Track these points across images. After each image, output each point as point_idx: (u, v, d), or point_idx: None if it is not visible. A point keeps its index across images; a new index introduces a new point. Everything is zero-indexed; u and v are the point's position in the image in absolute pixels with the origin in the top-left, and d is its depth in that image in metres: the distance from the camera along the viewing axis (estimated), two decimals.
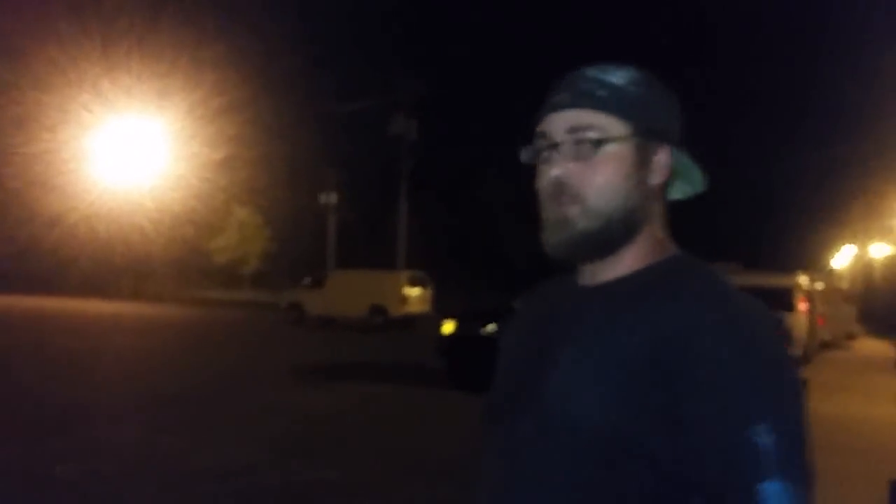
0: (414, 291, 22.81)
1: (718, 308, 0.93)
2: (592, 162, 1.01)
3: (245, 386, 10.61)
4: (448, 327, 11.22)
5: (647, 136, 1.03)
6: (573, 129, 1.02)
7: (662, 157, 1.04)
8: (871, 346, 21.30)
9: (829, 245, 53.72)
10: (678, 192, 1.13)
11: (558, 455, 0.95)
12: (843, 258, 48.53)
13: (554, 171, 1.02)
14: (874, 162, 31.49)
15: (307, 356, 14.35)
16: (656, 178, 1.05)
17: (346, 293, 22.68)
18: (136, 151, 37.27)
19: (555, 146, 1.02)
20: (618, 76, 1.03)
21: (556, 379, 0.99)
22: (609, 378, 0.93)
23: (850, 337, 20.99)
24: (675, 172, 1.08)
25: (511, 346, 1.14)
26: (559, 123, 1.03)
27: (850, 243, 45.34)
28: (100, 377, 10.97)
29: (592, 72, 1.04)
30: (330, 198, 34.28)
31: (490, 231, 44.69)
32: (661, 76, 1.09)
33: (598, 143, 1.00)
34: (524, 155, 1.07)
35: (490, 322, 11.01)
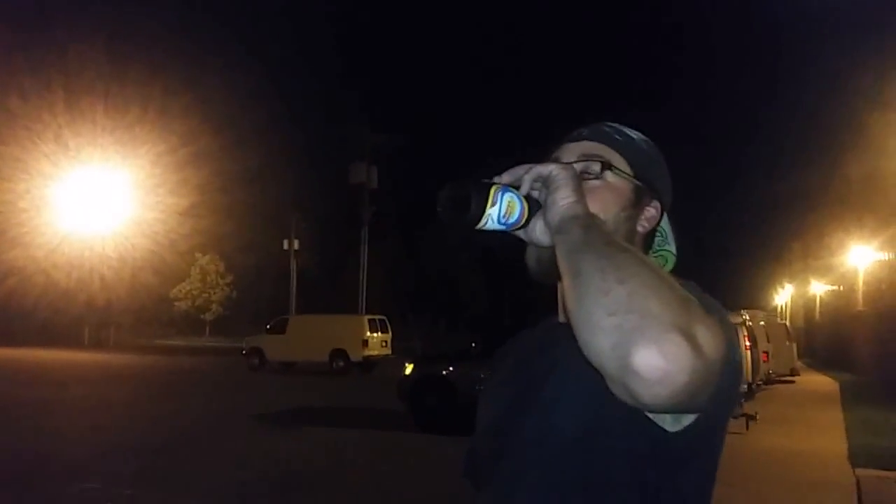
0: (374, 335, 23.10)
1: None
2: (594, 185, 1.05)
3: (209, 434, 10.52)
4: (410, 370, 11.55)
5: (646, 184, 1.09)
6: (584, 155, 1.07)
7: (653, 211, 1.10)
8: (813, 381, 22.22)
9: (770, 283, 55.24)
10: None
11: (548, 487, 0.96)
12: (784, 296, 49.80)
13: None
14: (812, 201, 32.96)
15: (270, 402, 14.32)
16: (643, 225, 1.09)
17: (307, 338, 22.88)
18: (99, 201, 37.18)
19: None
20: (633, 132, 1.12)
21: (541, 407, 1.00)
22: (588, 390, 0.90)
23: (794, 372, 21.90)
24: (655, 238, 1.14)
25: (492, 394, 1.15)
26: (573, 150, 1.09)
27: (790, 282, 46.64)
28: (61, 429, 10.72)
29: (610, 123, 1.13)
30: (293, 244, 34.63)
31: (448, 275, 45.27)
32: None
33: (605, 167, 1.06)
34: None
35: (449, 364, 11.43)
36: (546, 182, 0.96)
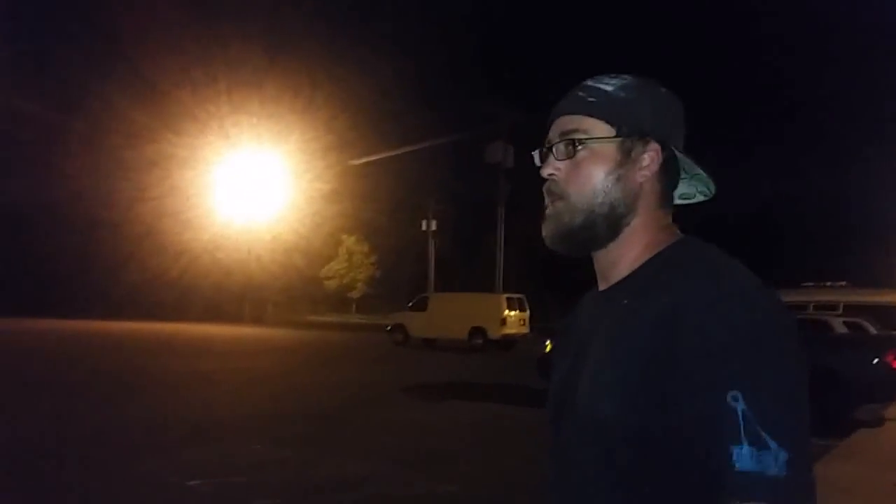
0: (513, 313, 23.41)
1: (711, 284, 0.95)
2: (576, 161, 1.09)
3: (360, 403, 11.10)
4: (550, 347, 11.71)
5: (631, 135, 1.09)
6: (564, 133, 1.11)
7: (650, 154, 1.09)
8: None
9: None
10: (698, 195, 1.19)
11: (591, 453, 1.00)
12: None
13: (545, 170, 1.11)
14: None
15: (415, 376, 14.96)
16: (644, 174, 1.09)
17: (447, 315, 23.58)
18: (255, 186, 39.80)
19: (551, 148, 1.12)
20: (609, 84, 1.12)
21: (582, 381, 1.05)
22: (619, 371, 0.97)
23: None
24: (682, 174, 1.14)
25: (556, 358, 1.23)
26: (555, 128, 1.13)
27: None
28: (227, 396, 11.61)
29: (589, 81, 1.13)
30: (431, 225, 35.60)
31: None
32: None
33: (580, 142, 1.09)
34: (535, 159, 1.16)
35: None
36: None
